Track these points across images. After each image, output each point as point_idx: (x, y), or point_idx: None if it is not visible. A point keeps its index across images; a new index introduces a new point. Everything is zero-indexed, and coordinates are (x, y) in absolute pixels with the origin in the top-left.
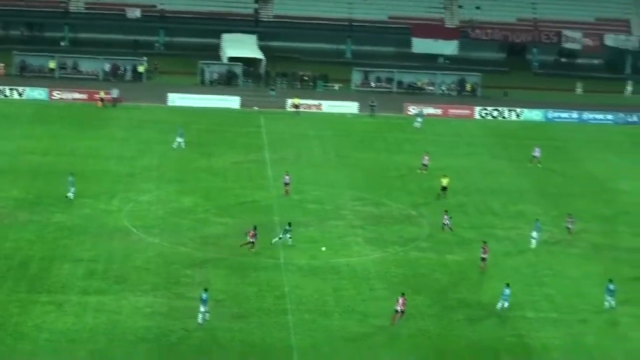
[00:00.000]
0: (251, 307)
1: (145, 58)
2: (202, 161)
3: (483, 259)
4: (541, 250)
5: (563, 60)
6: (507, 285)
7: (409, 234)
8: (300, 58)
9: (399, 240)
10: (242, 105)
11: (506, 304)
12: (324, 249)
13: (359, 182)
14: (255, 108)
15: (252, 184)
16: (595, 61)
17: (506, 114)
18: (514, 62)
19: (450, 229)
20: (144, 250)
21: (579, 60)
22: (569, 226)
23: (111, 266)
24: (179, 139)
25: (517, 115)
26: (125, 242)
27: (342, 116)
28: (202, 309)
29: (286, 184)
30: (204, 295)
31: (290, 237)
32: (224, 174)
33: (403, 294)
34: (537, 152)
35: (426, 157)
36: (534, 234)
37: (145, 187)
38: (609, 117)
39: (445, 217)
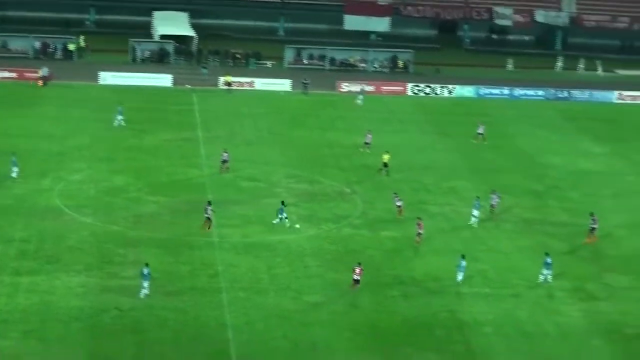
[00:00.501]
0: (185, 285)
1: (82, 37)
2: (134, 140)
3: (419, 234)
4: (473, 224)
5: (494, 36)
6: (463, 257)
7: (343, 211)
8: (232, 36)
9: (333, 217)
10: (175, 83)
11: (461, 276)
12: (298, 225)
13: (292, 160)
14: (188, 86)
15: (184, 162)
16: (526, 37)
17: (438, 90)
18: (446, 39)
19: (399, 211)
20: (77, 229)
21: (510, 37)
22: (493, 203)
23: (43, 246)
24: (119, 117)
25: (449, 92)
26: (57, 222)
27: (275, 94)
28: (143, 283)
29: (224, 161)
30: (145, 271)
31: (286, 217)
32: (156, 153)
33: (359, 264)
34: (481, 129)
35: (369, 136)
36: (475, 212)
37: (77, 166)
38: (540, 93)
39: (397, 198)
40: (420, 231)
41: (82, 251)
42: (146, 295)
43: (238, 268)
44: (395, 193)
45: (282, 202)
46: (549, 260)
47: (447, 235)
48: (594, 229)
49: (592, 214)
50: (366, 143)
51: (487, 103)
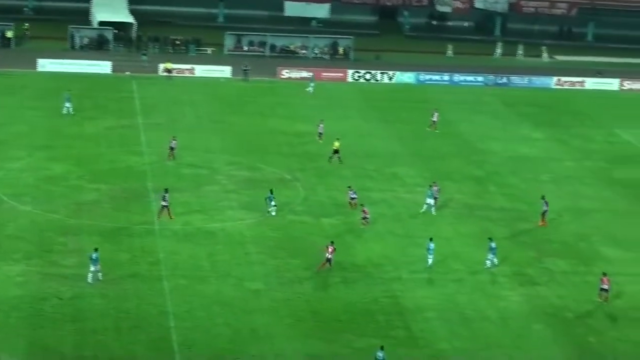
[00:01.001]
0: (126, 273)
1: (27, 24)
2: (73, 127)
3: (365, 219)
4: (416, 212)
5: (434, 22)
6: (431, 239)
7: (284, 197)
8: (172, 22)
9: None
10: (114, 70)
11: (430, 260)
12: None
13: (233, 147)
14: (128, 73)
15: (125, 150)
16: (466, 23)
17: (378, 76)
18: (386, 25)
19: (351, 204)
20: (16, 218)
21: (450, 23)
22: (436, 196)
23: None
24: (67, 105)
25: (390, 78)
26: None
27: (215, 80)
28: (92, 268)
29: (172, 148)
30: (94, 255)
31: (274, 205)
32: (96, 140)
33: (332, 242)
34: (435, 117)
35: (321, 125)
36: (428, 200)
37: (16, 154)
38: (479, 79)
39: (351, 192)
40: (366, 216)
41: (22, 240)
42: (97, 280)
43: (179, 255)
44: (349, 186)
45: (271, 191)
46: (493, 245)
47: (389, 221)
48: (545, 212)
49: (543, 197)
50: (320, 133)
51: (427, 89)
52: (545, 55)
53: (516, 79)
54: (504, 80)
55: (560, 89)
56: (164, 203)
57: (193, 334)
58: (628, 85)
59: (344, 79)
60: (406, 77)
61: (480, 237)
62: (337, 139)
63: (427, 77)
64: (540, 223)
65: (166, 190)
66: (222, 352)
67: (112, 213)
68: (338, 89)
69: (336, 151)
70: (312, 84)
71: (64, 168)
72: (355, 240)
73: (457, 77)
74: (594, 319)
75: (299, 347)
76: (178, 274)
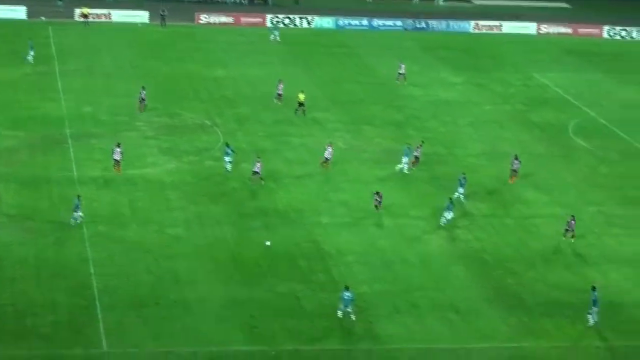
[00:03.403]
0: (45, 221)
1: None
2: None
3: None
4: (336, 156)
5: None
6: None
7: (204, 143)
8: None
9: (194, 149)
10: (29, 15)
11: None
12: (268, 243)
13: (151, 92)
14: (43, 18)
15: (42, 97)
16: None
17: (297, 21)
18: None
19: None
20: None
21: None
22: (417, 155)
23: None
24: (31, 53)
25: (309, 23)
26: None
27: (132, 26)
28: (75, 214)
29: (142, 99)
30: (76, 201)
31: (230, 161)
32: (13, 87)
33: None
34: (402, 69)
35: (280, 86)
36: (404, 158)
37: None
38: (398, 23)
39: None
40: (256, 170)
41: None
42: (77, 222)
43: (99, 203)
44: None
45: (227, 144)
46: (450, 203)
47: (309, 166)
48: (515, 170)
49: (516, 157)
50: (279, 94)
51: (346, 34)
52: None
53: (435, 24)
54: (423, 25)
55: (478, 33)
56: (115, 157)
57: (114, 280)
58: (545, 29)
59: (262, 24)
60: (325, 22)
61: (400, 182)
62: (302, 91)
63: (347, 21)
64: (510, 180)
65: (118, 145)
66: (143, 298)
67: (30, 160)
68: (257, 34)
69: (301, 104)
70: (276, 32)
71: None
72: (276, 186)
73: (376, 22)
74: (512, 261)
75: (221, 292)
76: (98, 220)
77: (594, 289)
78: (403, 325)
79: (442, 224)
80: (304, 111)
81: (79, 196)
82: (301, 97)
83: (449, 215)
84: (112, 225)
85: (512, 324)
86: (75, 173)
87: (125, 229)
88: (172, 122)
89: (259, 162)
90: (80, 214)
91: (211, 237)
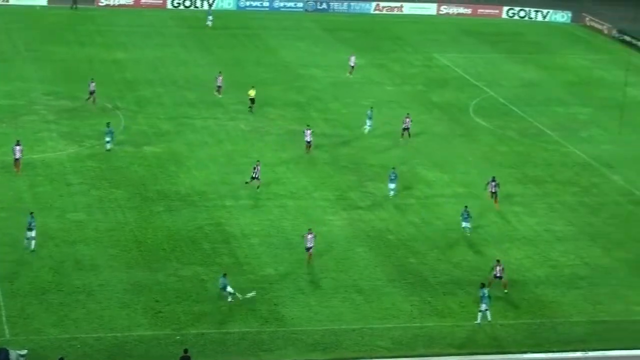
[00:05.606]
0: None
1: None
2: None
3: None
4: (238, 138)
5: None
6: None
7: (104, 126)
8: None
9: (95, 133)
10: None
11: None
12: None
13: (51, 76)
14: None
15: None
16: None
17: (198, 3)
18: None
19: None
20: None
21: None
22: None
23: None
24: None
25: (209, 5)
26: None
27: (31, 8)
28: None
29: (92, 92)
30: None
31: (109, 141)
32: None
33: (308, 126)
34: (352, 62)
35: (220, 78)
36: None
37: None
38: (299, 4)
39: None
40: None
41: None
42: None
43: None
44: (307, 125)
45: (108, 124)
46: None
47: (211, 148)
48: (495, 192)
49: (494, 179)
50: (218, 86)
51: (247, 15)
52: None
53: (336, 5)
54: (324, 6)
55: (379, 14)
56: (17, 156)
57: (15, 267)
58: (445, 9)
59: (163, 6)
60: (226, 3)
61: (302, 163)
62: (252, 87)
63: (248, 3)
64: (495, 204)
65: (18, 142)
66: (45, 284)
67: None
68: (157, 15)
69: (252, 100)
70: (210, 17)
71: None
72: (178, 169)
73: (277, 3)
74: (415, 241)
75: (124, 277)
76: None
77: (482, 285)
78: (307, 306)
79: (468, 234)
80: (251, 108)
81: (31, 213)
82: (251, 93)
83: (466, 224)
84: (12, 210)
85: (416, 303)
86: None
87: (25, 214)
88: (72, 106)
89: (257, 165)
90: (33, 234)
91: (113, 222)
